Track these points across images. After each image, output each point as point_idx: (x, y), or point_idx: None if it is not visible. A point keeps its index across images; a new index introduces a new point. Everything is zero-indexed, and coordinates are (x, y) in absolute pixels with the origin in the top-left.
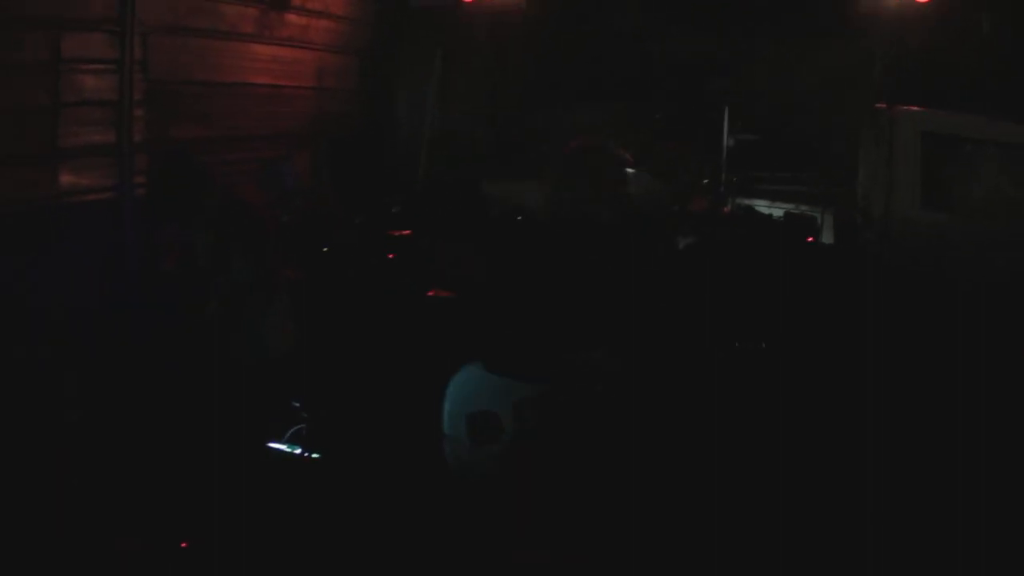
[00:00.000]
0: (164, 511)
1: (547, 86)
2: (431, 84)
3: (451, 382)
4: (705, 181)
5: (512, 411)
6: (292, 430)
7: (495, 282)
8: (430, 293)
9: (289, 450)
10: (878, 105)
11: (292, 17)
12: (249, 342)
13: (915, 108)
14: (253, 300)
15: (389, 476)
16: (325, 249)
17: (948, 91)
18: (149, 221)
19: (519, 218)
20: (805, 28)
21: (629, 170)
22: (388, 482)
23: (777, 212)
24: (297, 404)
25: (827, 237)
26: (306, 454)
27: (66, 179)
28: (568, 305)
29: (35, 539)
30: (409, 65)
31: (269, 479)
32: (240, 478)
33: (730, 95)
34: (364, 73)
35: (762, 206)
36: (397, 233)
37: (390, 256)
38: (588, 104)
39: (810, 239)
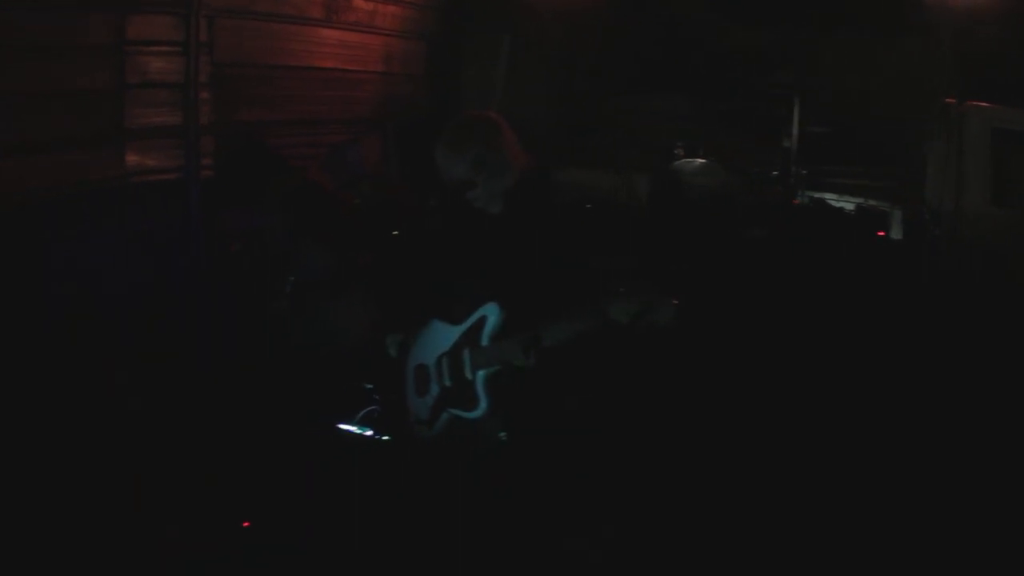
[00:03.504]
0: (227, 492)
1: (615, 75)
2: (499, 70)
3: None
4: (775, 173)
5: (435, 365)
6: (363, 412)
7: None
8: None
9: (360, 432)
10: (947, 100)
11: (359, 2)
12: (322, 327)
13: (985, 104)
14: (327, 285)
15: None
16: (396, 233)
17: (1019, 87)
18: (215, 203)
19: (588, 206)
20: (874, 21)
21: (700, 160)
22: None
23: (847, 206)
24: (370, 387)
25: (896, 233)
26: (377, 436)
27: (132, 160)
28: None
29: (102, 517)
30: (477, 51)
31: (339, 460)
32: (309, 459)
33: (799, 87)
34: (432, 58)
35: (831, 199)
36: None
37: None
38: (656, 94)
39: (881, 233)
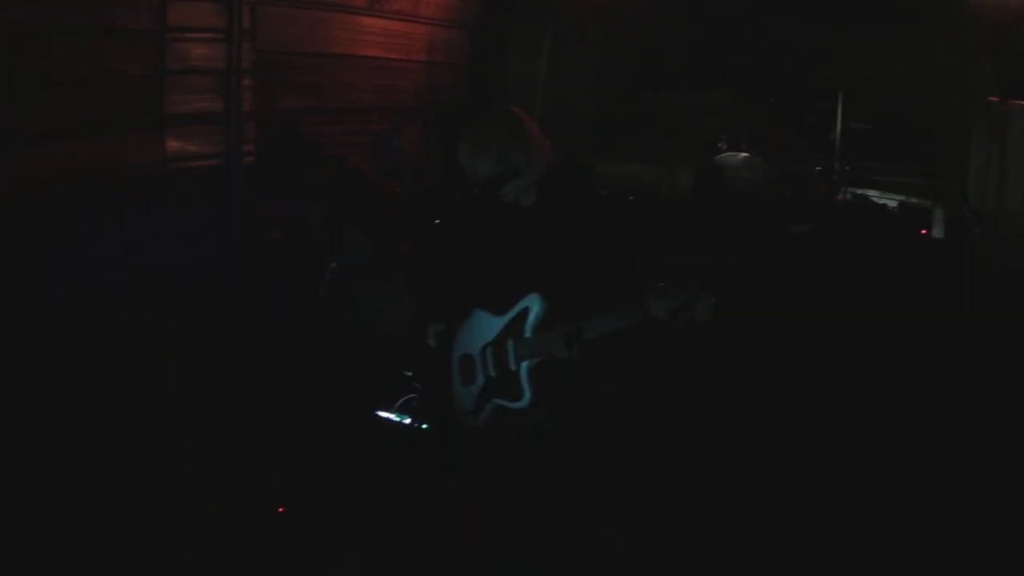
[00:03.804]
0: (262, 478)
1: (658, 69)
2: (541, 61)
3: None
4: (818, 168)
5: (479, 355)
6: (402, 400)
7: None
8: None
9: (398, 420)
10: (990, 99)
11: None
12: (363, 315)
13: None
14: (368, 273)
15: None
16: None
17: None
18: (257, 190)
19: (631, 198)
20: (917, 18)
21: (743, 154)
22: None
23: (889, 203)
24: (409, 374)
25: (937, 231)
26: (415, 424)
27: (173, 146)
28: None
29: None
30: (520, 41)
31: (375, 448)
32: (346, 446)
33: (842, 83)
34: (475, 48)
35: (873, 196)
36: None
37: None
38: (699, 88)
39: (923, 232)
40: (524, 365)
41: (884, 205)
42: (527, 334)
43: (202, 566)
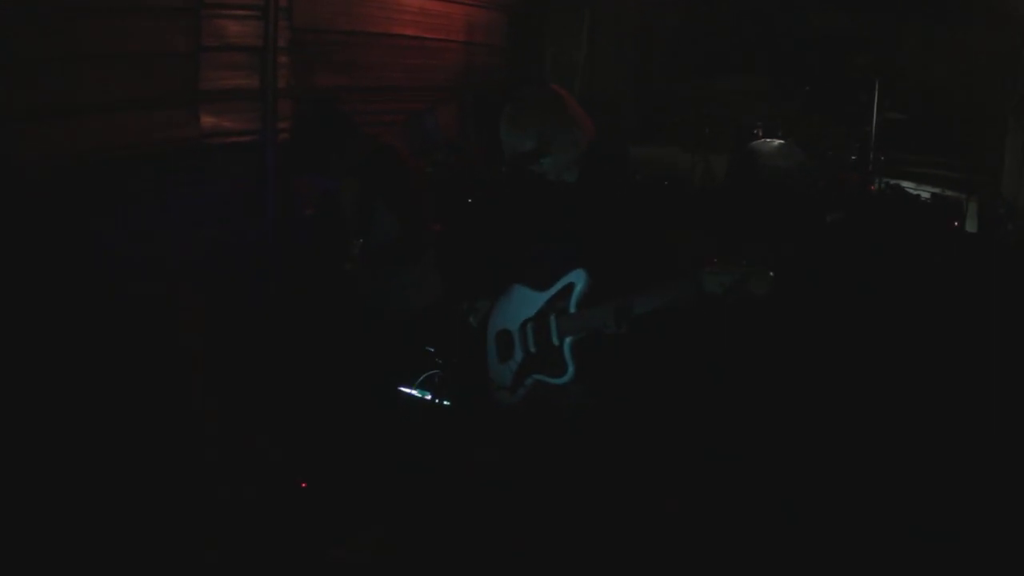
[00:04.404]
0: (287, 453)
1: (693, 55)
2: (580, 45)
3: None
4: (853, 158)
5: (519, 331)
6: (424, 376)
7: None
8: None
9: (420, 395)
10: None
11: None
12: (391, 292)
13: None
14: (396, 251)
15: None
16: (469, 201)
17: None
18: (291, 166)
19: (666, 183)
20: (954, 8)
21: (777, 141)
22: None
23: (923, 194)
24: (431, 350)
25: (970, 225)
26: (437, 400)
27: (208, 122)
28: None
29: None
30: (558, 24)
31: (398, 423)
32: (369, 421)
33: (879, 72)
34: (512, 29)
35: (908, 187)
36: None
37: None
38: (736, 75)
39: (956, 223)
40: (567, 340)
41: (918, 196)
42: (572, 309)
43: (223, 543)
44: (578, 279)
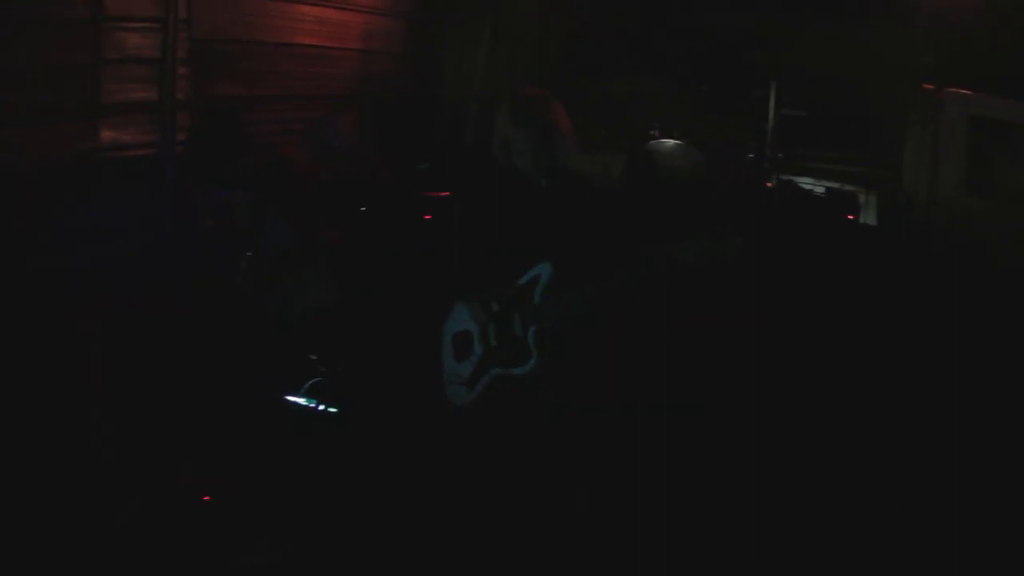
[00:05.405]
0: (180, 466)
1: (593, 57)
2: (481, 51)
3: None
4: (750, 156)
5: (479, 329)
6: (309, 383)
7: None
8: None
9: (306, 404)
10: (925, 86)
11: None
12: (285, 302)
13: (963, 91)
14: (291, 260)
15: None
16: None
17: (998, 76)
18: (188, 178)
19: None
20: (853, 4)
21: (673, 142)
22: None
23: (819, 189)
24: (314, 357)
25: (868, 218)
26: (322, 408)
27: (107, 135)
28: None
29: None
30: (458, 32)
31: (286, 433)
32: (257, 431)
33: (776, 69)
34: (411, 38)
35: (806, 183)
36: (433, 194)
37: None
38: (635, 76)
39: (850, 217)
40: (531, 331)
41: (811, 191)
42: (537, 300)
43: (121, 552)
44: (544, 271)
